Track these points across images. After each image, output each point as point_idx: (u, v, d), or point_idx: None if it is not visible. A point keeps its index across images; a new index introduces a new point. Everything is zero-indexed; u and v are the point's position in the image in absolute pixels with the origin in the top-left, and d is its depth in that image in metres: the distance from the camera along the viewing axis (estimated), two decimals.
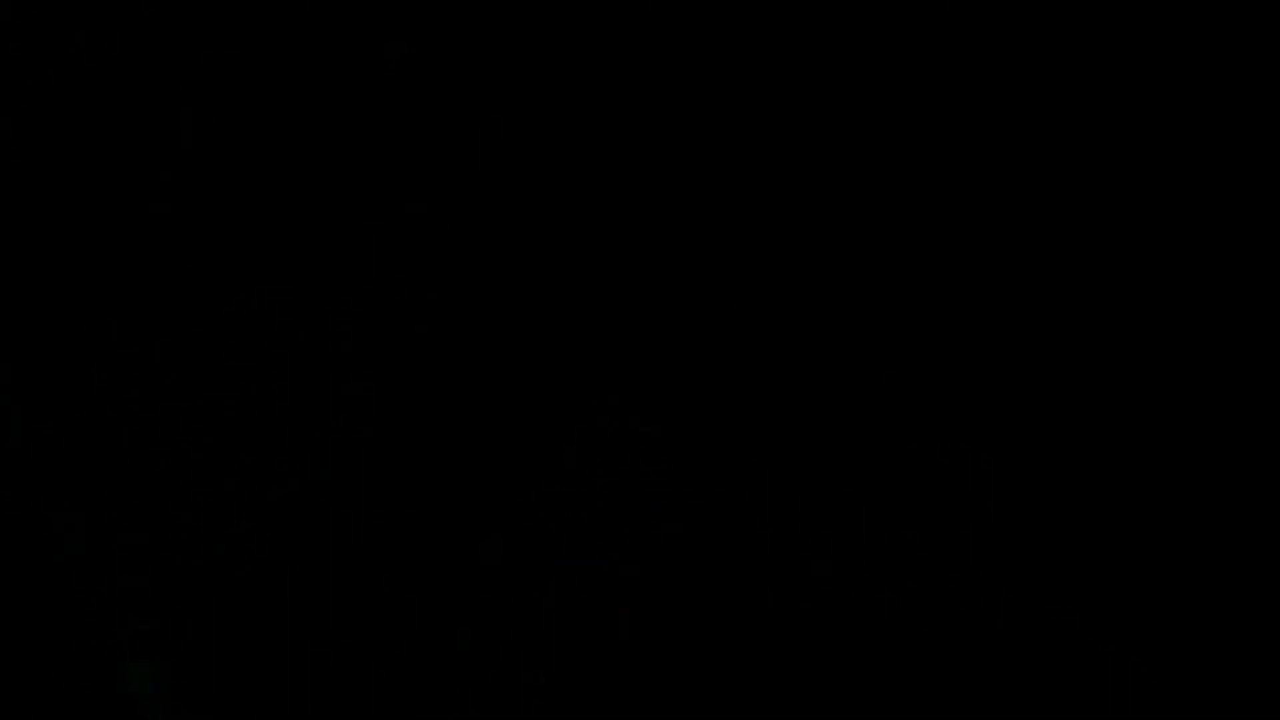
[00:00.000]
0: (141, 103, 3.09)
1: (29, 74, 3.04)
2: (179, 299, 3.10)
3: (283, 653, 2.87)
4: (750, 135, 3.14)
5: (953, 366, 3.04)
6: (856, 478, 3.00)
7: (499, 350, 3.14)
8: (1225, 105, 3.01)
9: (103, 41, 3.05)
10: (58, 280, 3.05)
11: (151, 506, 2.97)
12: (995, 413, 3.01)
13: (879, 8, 3.08)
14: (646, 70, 3.12)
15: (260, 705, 2.83)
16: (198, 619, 2.88)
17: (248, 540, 2.95)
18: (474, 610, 2.92)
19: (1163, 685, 2.78)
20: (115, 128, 3.08)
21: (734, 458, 3.03)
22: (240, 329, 3.09)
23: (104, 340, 3.05)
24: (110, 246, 3.08)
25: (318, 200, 3.15)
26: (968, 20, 3.06)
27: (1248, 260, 2.98)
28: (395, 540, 2.99)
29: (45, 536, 2.90)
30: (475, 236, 3.17)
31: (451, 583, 2.96)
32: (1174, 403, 2.96)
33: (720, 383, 3.10)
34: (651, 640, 2.87)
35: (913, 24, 3.08)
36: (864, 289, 3.10)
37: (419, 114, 3.15)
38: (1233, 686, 2.76)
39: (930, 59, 3.08)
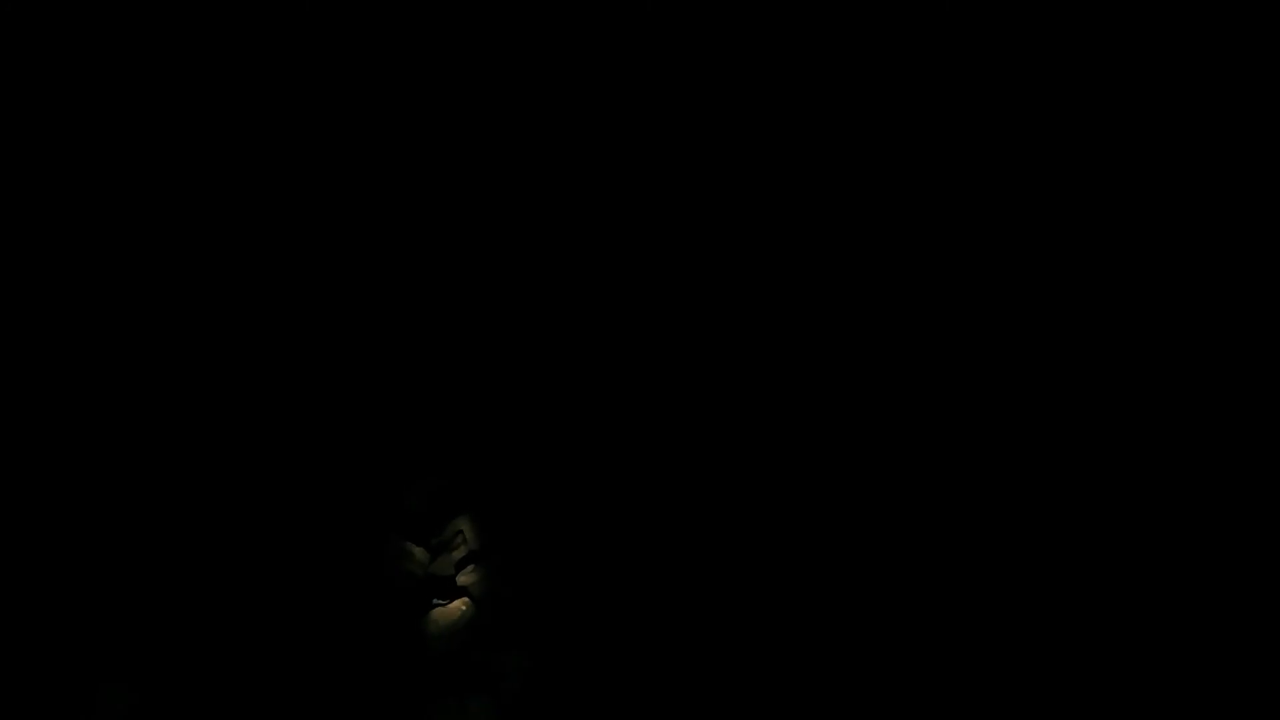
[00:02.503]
0: (141, 103, 3.10)
1: (29, 74, 3.04)
2: (179, 299, 3.10)
3: (282, 651, 2.87)
4: (749, 140, 3.14)
5: (952, 367, 3.05)
6: (856, 478, 3.00)
7: (499, 350, 3.15)
8: (1225, 106, 3.03)
9: (103, 41, 3.06)
10: (58, 280, 3.06)
11: (151, 506, 2.97)
12: (995, 413, 3.02)
13: (879, 9, 3.08)
14: (646, 74, 3.13)
15: (264, 702, 2.84)
16: (198, 619, 2.88)
17: (247, 540, 2.95)
18: (475, 608, 2.93)
19: (1161, 684, 2.79)
20: (115, 128, 3.08)
21: (734, 458, 3.04)
22: (240, 329, 3.10)
23: (104, 340, 3.05)
24: (110, 246, 3.08)
25: (317, 200, 3.16)
26: (967, 22, 3.07)
27: (1246, 261, 2.99)
28: (394, 539, 3.00)
29: (45, 536, 2.91)
30: (474, 237, 3.17)
31: (453, 582, 2.97)
32: (1172, 404, 2.97)
33: (719, 384, 3.10)
34: (651, 640, 2.87)
35: (913, 26, 3.08)
36: (863, 292, 3.11)
37: (418, 114, 3.15)
38: (1232, 686, 2.77)
39: (929, 63, 3.09)
